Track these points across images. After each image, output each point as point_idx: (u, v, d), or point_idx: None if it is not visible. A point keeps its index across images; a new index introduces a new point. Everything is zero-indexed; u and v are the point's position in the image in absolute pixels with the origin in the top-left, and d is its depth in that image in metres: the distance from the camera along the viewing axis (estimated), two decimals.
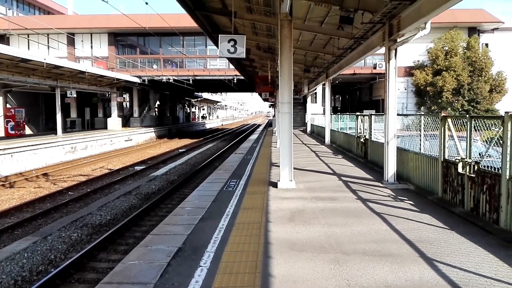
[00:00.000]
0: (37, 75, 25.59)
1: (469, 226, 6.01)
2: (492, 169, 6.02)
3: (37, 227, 10.03)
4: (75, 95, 30.22)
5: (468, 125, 6.52)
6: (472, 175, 6.47)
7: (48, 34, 35.79)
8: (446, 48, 32.78)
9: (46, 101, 37.37)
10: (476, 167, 6.39)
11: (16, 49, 24.14)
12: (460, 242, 5.29)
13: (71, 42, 37.28)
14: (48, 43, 36.93)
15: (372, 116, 13.56)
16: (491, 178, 5.97)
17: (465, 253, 4.88)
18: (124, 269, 4.52)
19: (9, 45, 35.00)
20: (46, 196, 13.29)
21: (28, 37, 35.90)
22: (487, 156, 6.27)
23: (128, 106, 43.72)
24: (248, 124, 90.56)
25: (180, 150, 28.95)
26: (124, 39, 40.34)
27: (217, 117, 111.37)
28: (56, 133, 27.04)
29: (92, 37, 38.92)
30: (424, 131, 8.73)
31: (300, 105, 38.50)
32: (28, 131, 31.62)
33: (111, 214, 10.75)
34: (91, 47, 38.30)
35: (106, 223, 10.06)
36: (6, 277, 6.63)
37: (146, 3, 17.80)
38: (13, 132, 26.72)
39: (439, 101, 32.37)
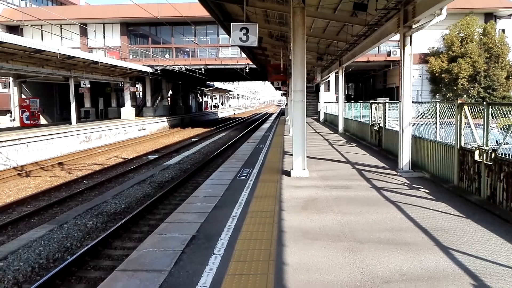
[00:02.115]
0: (51, 65, 25.80)
1: (485, 214, 5.93)
2: (510, 157, 5.90)
3: (53, 215, 10.18)
4: (88, 85, 30.44)
5: (486, 112, 6.38)
6: (489, 163, 6.36)
7: (61, 25, 35.97)
8: (462, 35, 32.16)
9: (60, 91, 37.72)
10: (493, 155, 6.28)
11: (29, 40, 24.33)
12: (477, 231, 5.22)
13: (84, 32, 37.45)
14: (61, 33, 37.12)
15: (387, 104, 13.39)
16: (508, 165, 5.85)
17: (482, 242, 4.81)
18: (139, 257, 4.56)
19: (22, 36, 35.30)
20: (61, 185, 13.48)
21: (42, 28, 36.16)
22: (504, 144, 6.15)
23: (141, 96, 43.93)
24: (260, 113, 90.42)
25: (193, 139, 29.07)
26: (136, 29, 40.38)
27: (229, 106, 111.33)
28: (70, 123, 27.33)
29: (105, 27, 39.04)
30: (440, 118, 8.59)
31: (312, 93, 38.23)
32: (43, 121, 32.02)
33: (125, 202, 10.87)
34: (104, 37, 38.42)
35: (121, 211, 10.18)
36: (24, 264, 6.76)
37: None
38: (28, 122, 27.06)
39: (455, 88, 31.85)
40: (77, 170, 16.97)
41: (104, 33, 38.61)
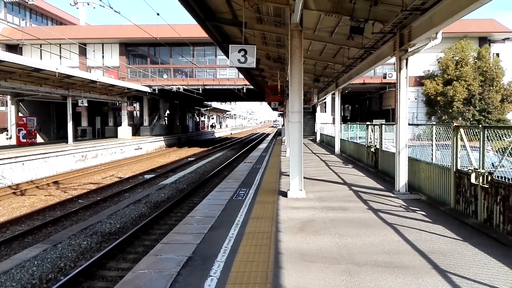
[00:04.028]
0: (49, 84, 25.90)
1: (482, 237, 5.91)
2: (506, 180, 5.93)
3: (47, 234, 10.08)
4: (86, 104, 30.53)
5: (481, 135, 6.44)
6: (485, 186, 6.38)
7: (60, 44, 36.25)
8: (457, 58, 32.65)
9: (58, 110, 37.82)
10: (489, 178, 6.30)
11: (28, 58, 24.47)
12: (474, 254, 5.20)
13: (82, 52, 37.77)
14: (60, 53, 37.40)
15: (383, 125, 13.47)
16: (504, 188, 5.88)
17: (479, 265, 4.80)
18: (134, 278, 4.50)
19: (22, 55, 35.55)
20: (56, 204, 13.37)
21: (41, 47, 36.42)
22: (500, 167, 6.18)
23: (138, 115, 44.04)
24: (257, 133, 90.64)
25: (189, 159, 29.02)
26: (135, 49, 40.77)
27: (226, 126, 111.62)
28: (67, 142, 27.27)
29: (104, 47, 39.38)
30: (436, 141, 8.64)
31: (309, 114, 38.46)
32: (39, 139, 31.94)
33: (120, 222, 10.78)
34: (103, 57, 38.73)
35: (116, 231, 10.08)
36: (16, 284, 6.66)
37: (158, 14, 18.03)
38: (24, 140, 27.00)
39: (450, 110, 32.16)
40: (73, 189, 16.86)
41: (103, 53, 38.93)
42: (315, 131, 35.41)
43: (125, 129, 36.72)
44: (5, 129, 32.48)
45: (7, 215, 12.28)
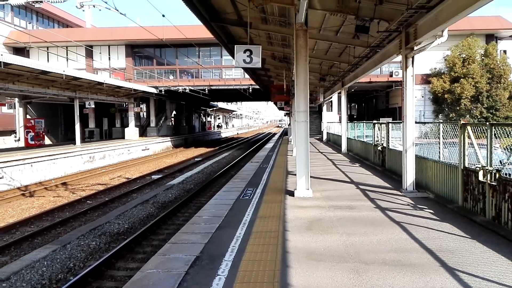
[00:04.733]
0: (56, 86, 26.07)
1: (491, 235, 5.89)
2: None
3: (56, 235, 10.17)
4: (93, 106, 30.68)
5: (489, 133, 6.41)
6: (493, 183, 6.35)
7: (67, 47, 36.54)
8: (464, 56, 32.41)
9: (65, 112, 38.09)
10: (497, 175, 6.27)
11: (36, 61, 24.68)
12: (482, 252, 5.18)
13: (89, 54, 37.96)
14: (67, 55, 37.68)
15: (390, 124, 13.43)
16: None
17: (488, 263, 4.78)
18: (143, 278, 4.54)
19: (29, 57, 35.83)
20: (65, 205, 13.47)
21: (48, 49, 36.69)
22: (508, 164, 6.14)
23: (145, 116, 44.21)
24: (263, 133, 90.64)
25: (196, 159, 29.10)
26: (141, 51, 40.92)
27: (233, 126, 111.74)
28: (74, 143, 27.44)
29: (110, 49, 39.57)
30: (443, 138, 8.61)
31: (315, 113, 38.39)
32: (47, 141, 32.20)
33: (128, 222, 10.85)
34: (109, 58, 38.92)
35: (124, 232, 10.15)
36: (26, 285, 6.73)
37: (163, 15, 18.07)
38: (33, 142, 27.21)
39: (457, 108, 31.95)
40: (81, 190, 16.98)
41: (109, 55, 39.14)
42: (322, 130, 35.36)
43: (132, 130, 36.88)
44: (14, 131, 32.77)
45: (17, 217, 12.40)
